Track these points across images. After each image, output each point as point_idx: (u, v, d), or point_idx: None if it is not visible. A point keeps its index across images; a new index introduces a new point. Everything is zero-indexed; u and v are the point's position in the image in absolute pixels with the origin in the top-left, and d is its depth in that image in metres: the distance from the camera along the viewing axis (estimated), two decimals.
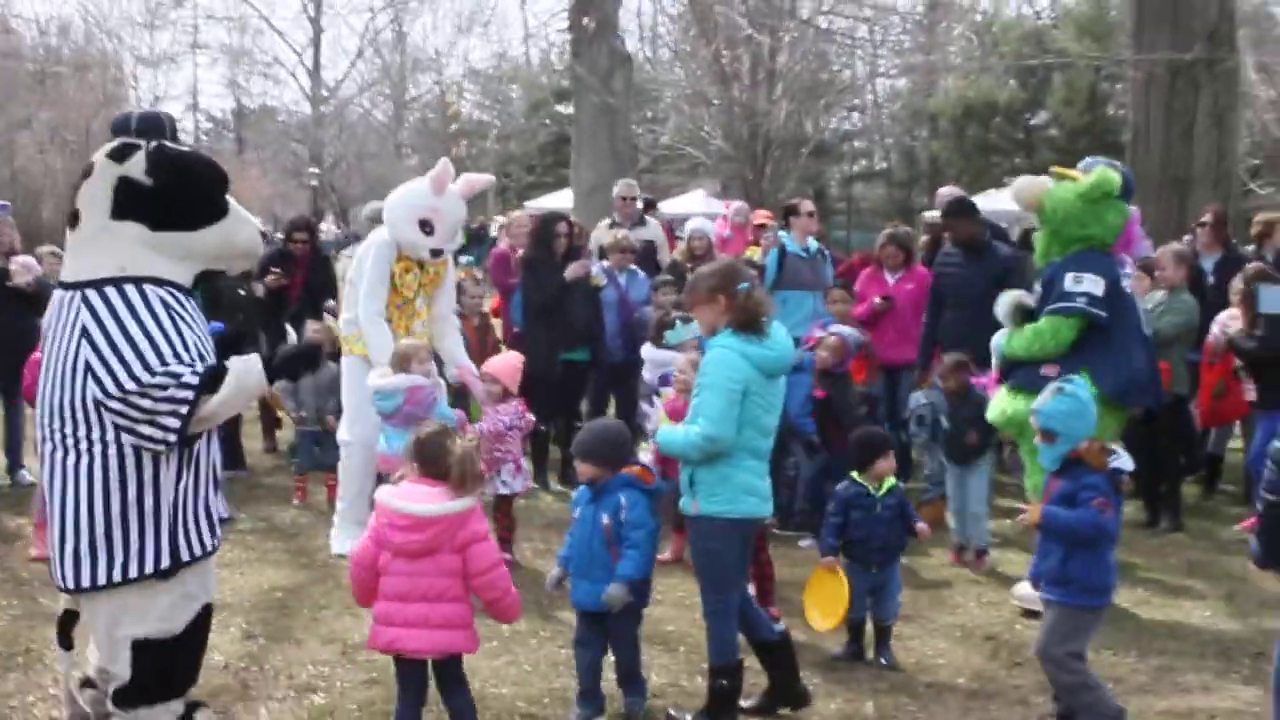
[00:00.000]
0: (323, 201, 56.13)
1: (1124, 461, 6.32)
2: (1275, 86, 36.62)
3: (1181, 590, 8.87)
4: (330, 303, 12.38)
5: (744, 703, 6.58)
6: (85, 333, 5.41)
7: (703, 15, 32.53)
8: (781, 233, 12.27)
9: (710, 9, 28.73)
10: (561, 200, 33.74)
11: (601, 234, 13.49)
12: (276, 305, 12.38)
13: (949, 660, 7.50)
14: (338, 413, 10.20)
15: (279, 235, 15.54)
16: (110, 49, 59.77)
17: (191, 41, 71.38)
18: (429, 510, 5.67)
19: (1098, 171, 8.56)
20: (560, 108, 58.73)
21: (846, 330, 10.26)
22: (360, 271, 9.46)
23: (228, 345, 5.88)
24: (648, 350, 10.03)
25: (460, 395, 10.13)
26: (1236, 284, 10.22)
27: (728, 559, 6.39)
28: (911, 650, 7.66)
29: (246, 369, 5.57)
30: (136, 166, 5.53)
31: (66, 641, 5.94)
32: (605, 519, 6.49)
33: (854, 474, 7.65)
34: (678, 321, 9.32)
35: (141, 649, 5.56)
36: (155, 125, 5.68)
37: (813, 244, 12.03)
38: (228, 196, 5.75)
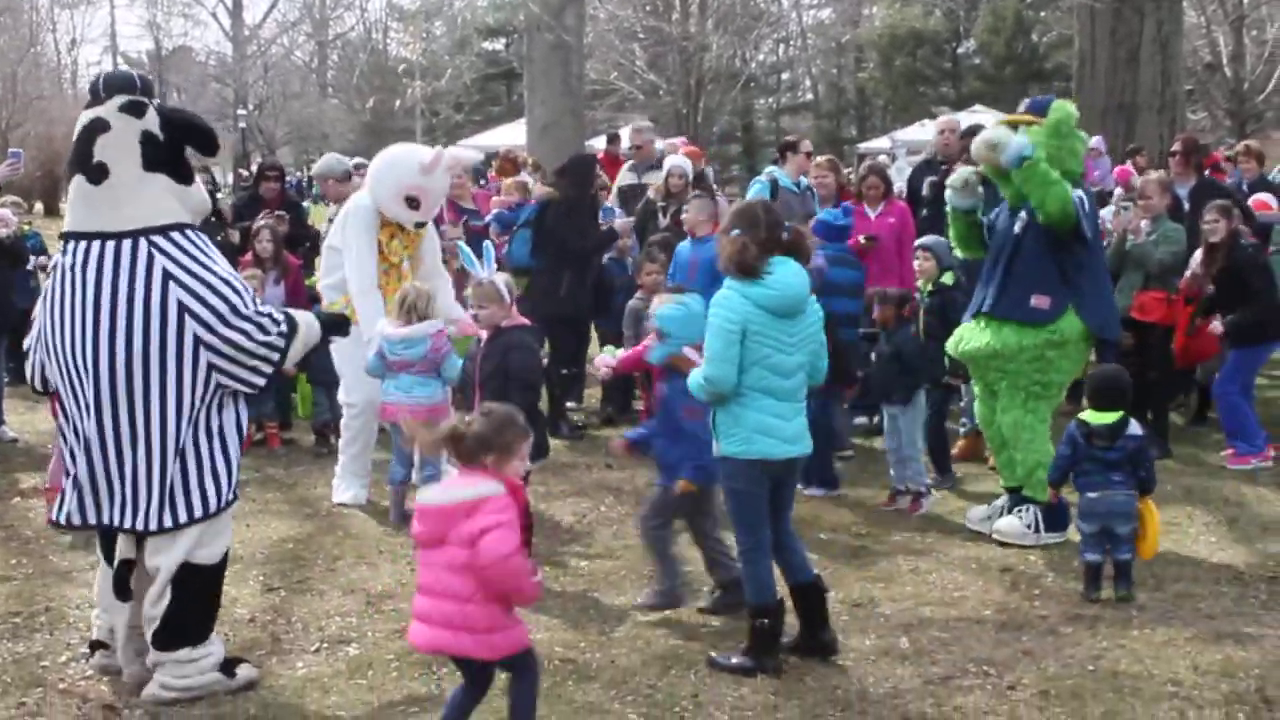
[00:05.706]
0: (250, 143, 55.40)
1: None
2: (1204, 13, 36.96)
3: (1184, 517, 8.94)
4: None
5: (786, 640, 6.57)
6: (169, 275, 5.64)
7: None
8: (774, 167, 12.24)
9: None
10: (501, 137, 33.49)
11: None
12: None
13: (971, 593, 7.51)
14: None
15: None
16: None
17: None
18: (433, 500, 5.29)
19: (1056, 107, 8.43)
20: (488, 44, 58.27)
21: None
22: (342, 236, 9.30)
23: None
24: None
25: None
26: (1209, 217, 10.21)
27: (753, 499, 6.37)
28: (932, 584, 7.68)
29: (309, 328, 6.07)
30: (153, 122, 5.88)
31: (126, 593, 6.00)
32: None
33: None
34: None
35: (189, 575, 5.82)
36: (129, 83, 6.02)
37: (804, 180, 12.00)
38: None
